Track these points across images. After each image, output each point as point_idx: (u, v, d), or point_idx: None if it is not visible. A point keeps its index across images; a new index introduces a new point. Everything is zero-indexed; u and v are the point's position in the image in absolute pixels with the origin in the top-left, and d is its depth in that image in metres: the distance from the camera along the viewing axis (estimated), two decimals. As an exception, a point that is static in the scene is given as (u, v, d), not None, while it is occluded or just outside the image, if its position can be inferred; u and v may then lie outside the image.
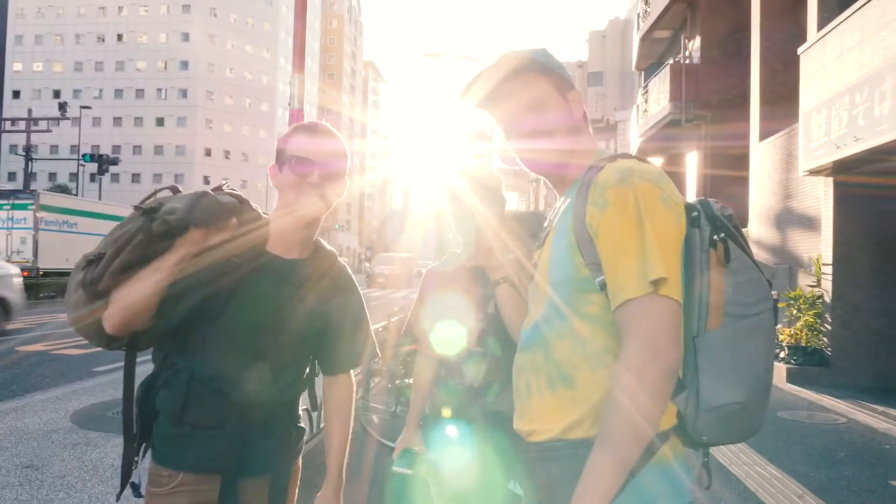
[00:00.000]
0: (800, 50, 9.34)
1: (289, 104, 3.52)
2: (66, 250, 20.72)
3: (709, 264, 1.19)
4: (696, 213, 1.23)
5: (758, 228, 11.87)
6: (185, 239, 1.58)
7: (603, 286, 1.18)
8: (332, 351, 1.85)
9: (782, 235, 10.97)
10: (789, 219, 10.69)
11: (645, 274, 1.12)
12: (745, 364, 1.20)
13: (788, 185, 10.67)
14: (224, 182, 1.82)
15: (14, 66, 74.99)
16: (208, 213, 1.58)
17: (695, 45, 17.20)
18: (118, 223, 1.72)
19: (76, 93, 73.27)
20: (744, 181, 12.94)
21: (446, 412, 2.13)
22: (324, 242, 1.89)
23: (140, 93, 74.14)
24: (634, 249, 1.13)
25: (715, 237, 1.20)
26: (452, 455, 2.11)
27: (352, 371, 1.92)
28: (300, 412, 1.83)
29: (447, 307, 2.15)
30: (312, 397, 1.88)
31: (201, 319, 1.62)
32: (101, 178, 38.99)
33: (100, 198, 42.57)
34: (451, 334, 2.14)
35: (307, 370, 1.83)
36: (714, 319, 1.18)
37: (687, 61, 17.28)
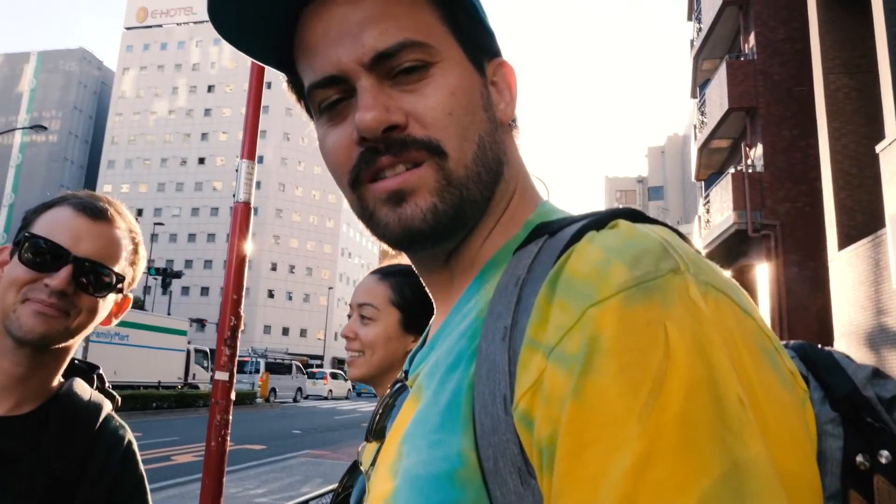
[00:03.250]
0: (878, 148, 8.39)
1: (233, 195, 2.87)
2: (116, 362, 20.65)
3: None
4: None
5: (847, 349, 10.42)
6: None
7: None
8: None
9: (877, 356, 9.50)
10: (884, 337, 9.26)
11: None
12: None
13: (880, 299, 9.34)
14: None
15: (105, 187, 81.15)
16: None
17: (756, 152, 16.40)
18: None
19: (157, 211, 77.99)
20: (825, 295, 11.60)
21: None
22: (81, 387, 1.10)
23: (215, 211, 78.21)
24: None
25: (860, 460, 0.46)
26: None
27: None
28: None
29: None
30: None
31: None
32: (171, 291, 40.27)
33: (168, 310, 43.89)
34: None
35: None
36: None
37: (750, 170, 16.41)
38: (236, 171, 2.79)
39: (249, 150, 2.79)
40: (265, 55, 0.65)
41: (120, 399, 1.24)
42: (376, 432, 0.64)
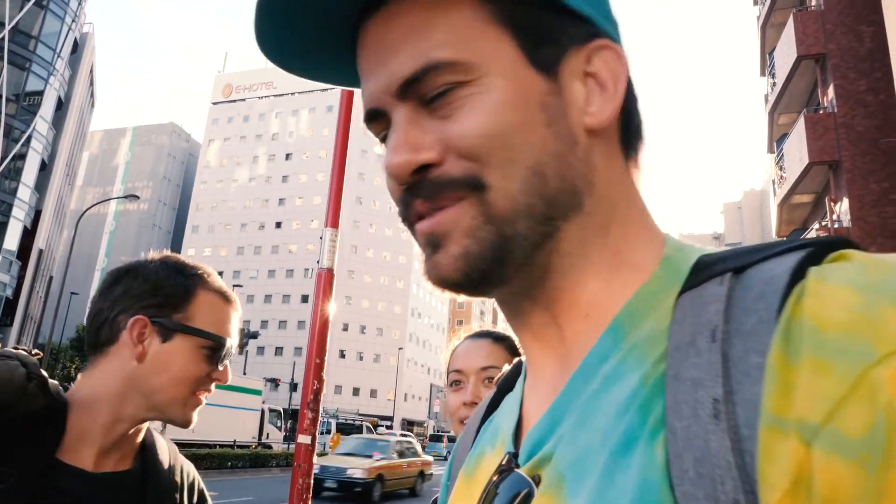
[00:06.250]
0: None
1: (317, 262, 2.95)
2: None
3: None
4: None
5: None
6: None
7: None
8: None
9: None
10: None
11: None
12: None
13: None
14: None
15: (188, 251, 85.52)
16: None
17: (842, 207, 15.67)
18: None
19: (236, 273, 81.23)
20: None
21: None
22: (157, 437, 1.19)
23: (290, 272, 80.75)
24: None
25: None
26: None
27: None
28: None
29: None
30: None
31: None
32: (247, 351, 41.52)
33: (244, 369, 45.06)
34: None
35: None
36: None
37: (836, 225, 15.67)
38: (320, 238, 2.88)
39: (333, 219, 2.88)
40: (334, 77, 0.57)
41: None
42: None
